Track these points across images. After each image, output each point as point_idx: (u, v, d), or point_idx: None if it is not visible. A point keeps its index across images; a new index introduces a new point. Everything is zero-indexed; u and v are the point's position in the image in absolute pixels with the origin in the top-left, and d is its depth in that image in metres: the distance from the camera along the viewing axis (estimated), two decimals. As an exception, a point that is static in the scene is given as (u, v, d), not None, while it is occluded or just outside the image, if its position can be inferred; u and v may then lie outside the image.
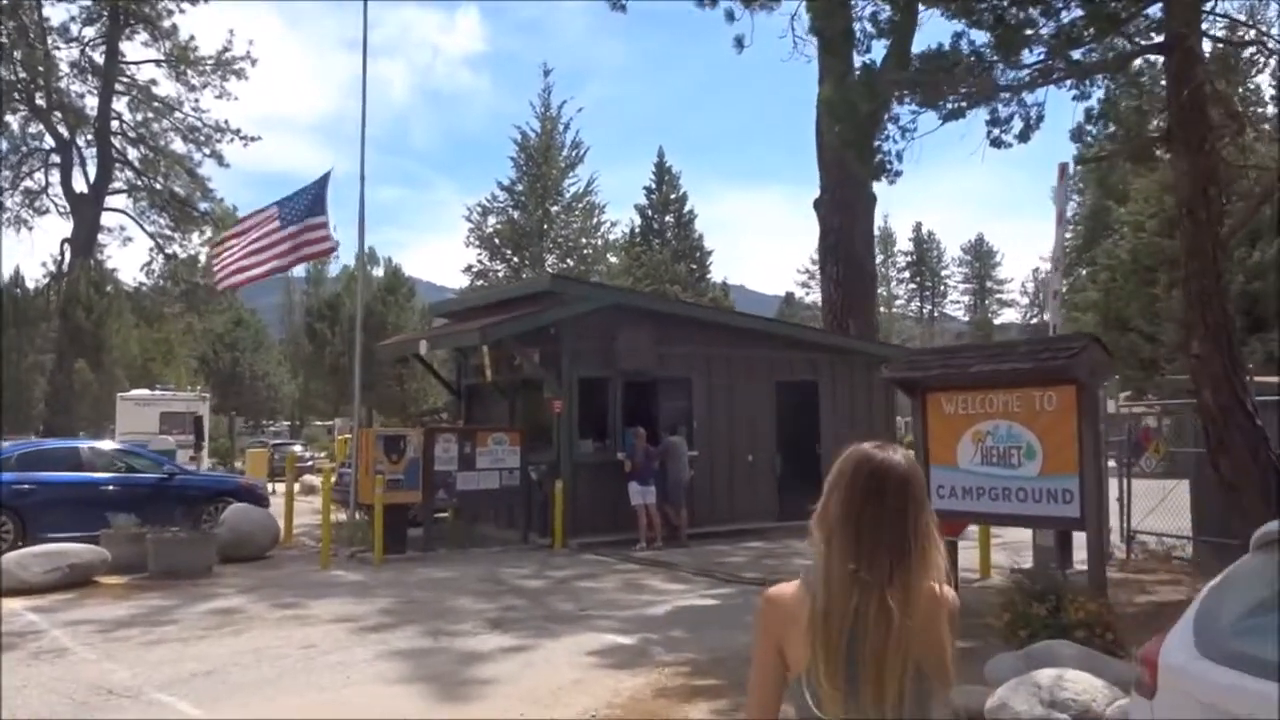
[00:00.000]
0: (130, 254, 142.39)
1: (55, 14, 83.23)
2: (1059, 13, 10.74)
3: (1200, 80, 9.94)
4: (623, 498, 14.05)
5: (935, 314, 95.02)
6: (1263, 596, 3.20)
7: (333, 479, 15.41)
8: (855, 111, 11.85)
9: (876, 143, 12.28)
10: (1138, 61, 12.50)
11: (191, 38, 45.15)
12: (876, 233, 25.33)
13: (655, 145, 69.63)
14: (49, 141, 45.28)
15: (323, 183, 14.92)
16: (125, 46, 45.32)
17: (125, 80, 45.45)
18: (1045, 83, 11.90)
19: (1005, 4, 10.72)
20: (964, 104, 11.89)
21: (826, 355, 17.16)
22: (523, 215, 43.66)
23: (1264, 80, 22.92)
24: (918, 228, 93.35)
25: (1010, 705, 5.01)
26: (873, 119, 12.05)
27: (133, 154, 46.62)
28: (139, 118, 46.19)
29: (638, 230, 50.43)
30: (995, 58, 11.48)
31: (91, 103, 44.83)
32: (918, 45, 14.22)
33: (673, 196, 51.36)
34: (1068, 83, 12.33)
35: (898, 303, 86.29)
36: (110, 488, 13.64)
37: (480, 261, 44.40)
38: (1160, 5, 10.45)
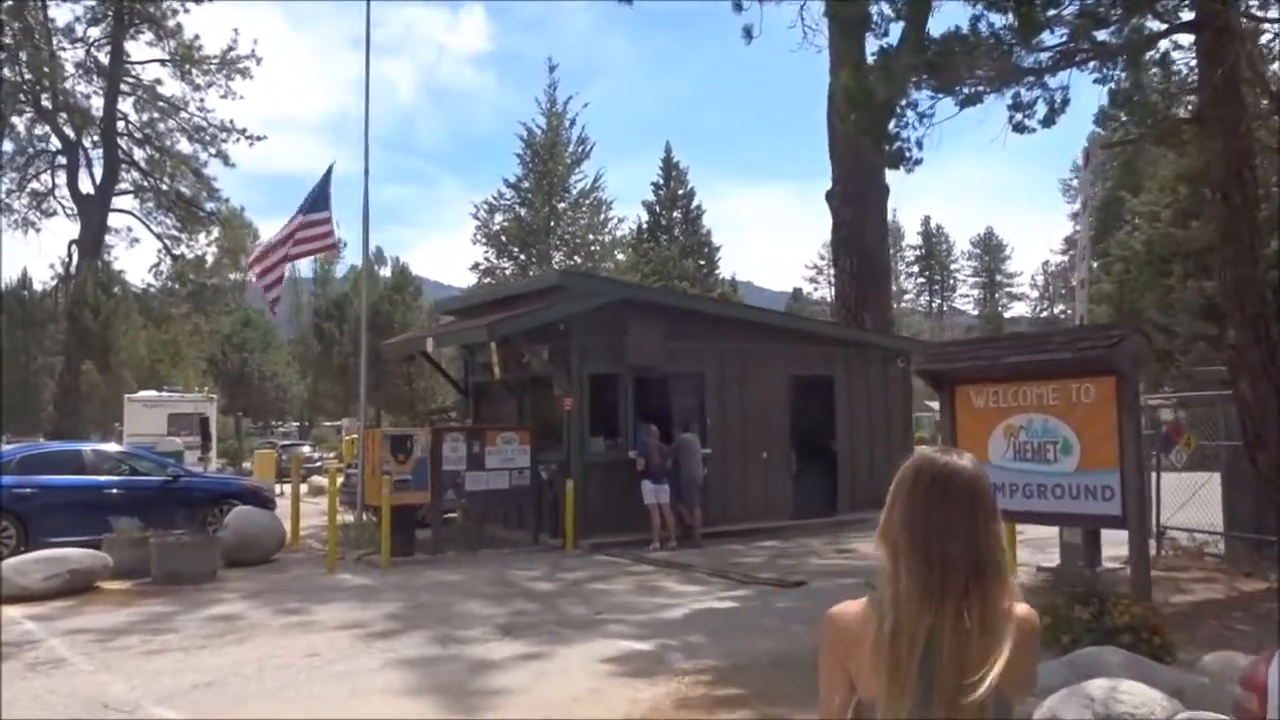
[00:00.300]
0: (137, 255, 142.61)
1: (60, 14, 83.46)
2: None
3: (1234, 58, 9.56)
4: (635, 497, 13.73)
5: (944, 308, 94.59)
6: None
7: (339, 480, 15.12)
8: (873, 98, 11.50)
9: (894, 130, 11.93)
10: (1163, 43, 12.14)
11: (196, 37, 45.05)
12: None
13: (661, 142, 69.37)
14: (55, 143, 45.21)
15: (326, 178, 14.65)
16: (130, 46, 45.21)
17: (130, 80, 45.29)
18: (1068, 65, 11.55)
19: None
20: (982, 88, 11.54)
21: (842, 349, 16.81)
22: (529, 212, 43.33)
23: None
24: (926, 221, 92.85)
25: (1060, 718, 4.67)
26: (890, 106, 11.71)
27: (139, 154, 46.53)
28: (144, 118, 46.09)
29: (645, 226, 49.99)
30: (1014, 40, 11.12)
31: (97, 103, 44.76)
32: (932, 33, 13.89)
33: (680, 192, 50.90)
34: (1090, 65, 11.98)
35: (906, 297, 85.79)
36: (113, 491, 13.37)
37: (487, 259, 44.10)
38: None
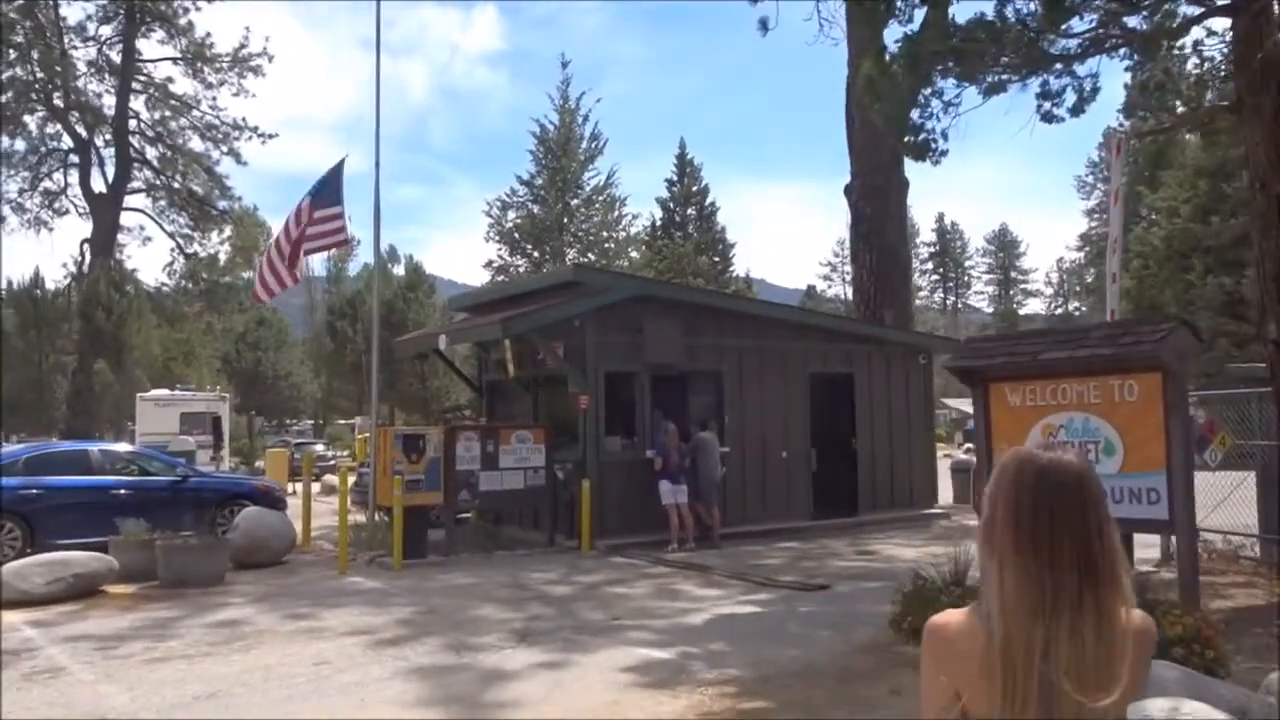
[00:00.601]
0: (150, 254, 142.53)
1: (72, 13, 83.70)
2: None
3: (1273, 43, 9.18)
4: (652, 497, 13.42)
5: (959, 305, 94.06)
6: None
7: (352, 479, 14.85)
8: (897, 87, 11.16)
9: (919, 120, 11.57)
10: (1195, 29, 11.75)
11: (208, 34, 44.92)
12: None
13: (674, 140, 68.59)
14: (67, 141, 45.11)
15: (338, 169, 14.36)
16: (142, 44, 45.08)
17: (142, 79, 45.18)
18: (1098, 52, 11.18)
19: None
20: (1007, 76, 11.19)
21: (862, 346, 16.45)
22: (543, 209, 43.07)
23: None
24: (940, 218, 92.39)
25: (1118, 741, 4.33)
26: (914, 95, 11.35)
27: (151, 153, 46.39)
28: (156, 116, 45.94)
29: (659, 223, 49.65)
30: (1042, 26, 10.76)
31: (109, 102, 44.62)
32: (957, 20, 13.50)
33: (694, 189, 50.52)
34: (1120, 52, 11.60)
35: (921, 294, 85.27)
36: (121, 492, 13.12)
37: (500, 257, 43.91)
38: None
